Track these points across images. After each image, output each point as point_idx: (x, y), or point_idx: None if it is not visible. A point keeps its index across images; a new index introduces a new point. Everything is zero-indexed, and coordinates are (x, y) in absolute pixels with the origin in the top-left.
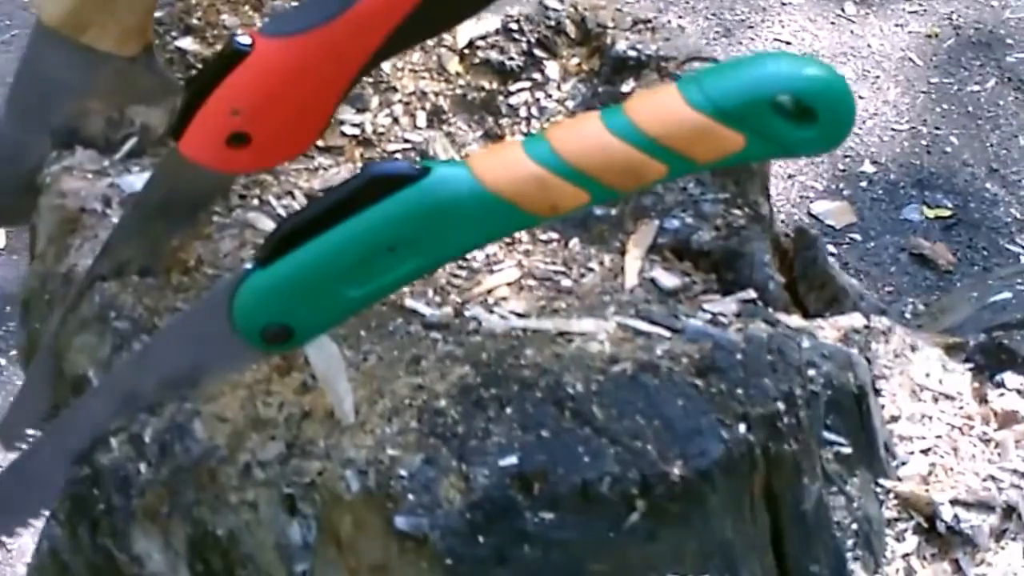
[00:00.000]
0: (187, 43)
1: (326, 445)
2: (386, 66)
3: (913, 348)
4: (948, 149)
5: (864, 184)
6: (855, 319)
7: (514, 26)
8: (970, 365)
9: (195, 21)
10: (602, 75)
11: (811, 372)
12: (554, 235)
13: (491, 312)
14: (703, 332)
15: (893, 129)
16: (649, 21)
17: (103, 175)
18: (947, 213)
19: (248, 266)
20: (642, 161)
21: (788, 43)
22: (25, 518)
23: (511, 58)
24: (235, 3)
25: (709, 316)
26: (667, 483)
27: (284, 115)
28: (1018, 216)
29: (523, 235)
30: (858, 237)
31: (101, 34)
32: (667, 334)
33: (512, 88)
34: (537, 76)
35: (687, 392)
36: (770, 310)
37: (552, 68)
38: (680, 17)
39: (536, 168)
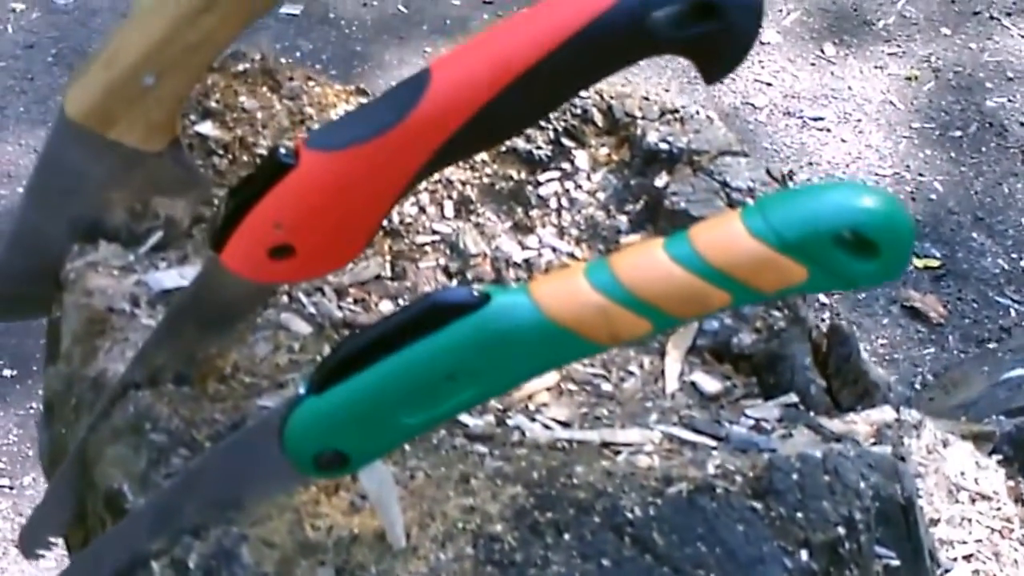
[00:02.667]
0: (207, 128)
1: (377, 571)
2: None
3: (945, 444)
4: (933, 196)
5: None
6: (886, 413)
7: None
8: (999, 457)
9: (214, 104)
10: (633, 167)
11: (861, 484)
12: None
13: (533, 420)
14: (748, 441)
15: (877, 174)
16: (677, 111)
17: (129, 271)
18: (936, 263)
19: (301, 391)
20: (706, 291)
21: (769, 84)
22: None
23: (539, 147)
24: (253, 84)
25: (752, 422)
26: None
27: (328, 229)
28: (1006, 267)
29: None
30: None
31: (128, 129)
32: (712, 443)
33: (541, 178)
34: (566, 166)
35: (746, 516)
36: (812, 414)
37: (581, 158)
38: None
39: (599, 297)
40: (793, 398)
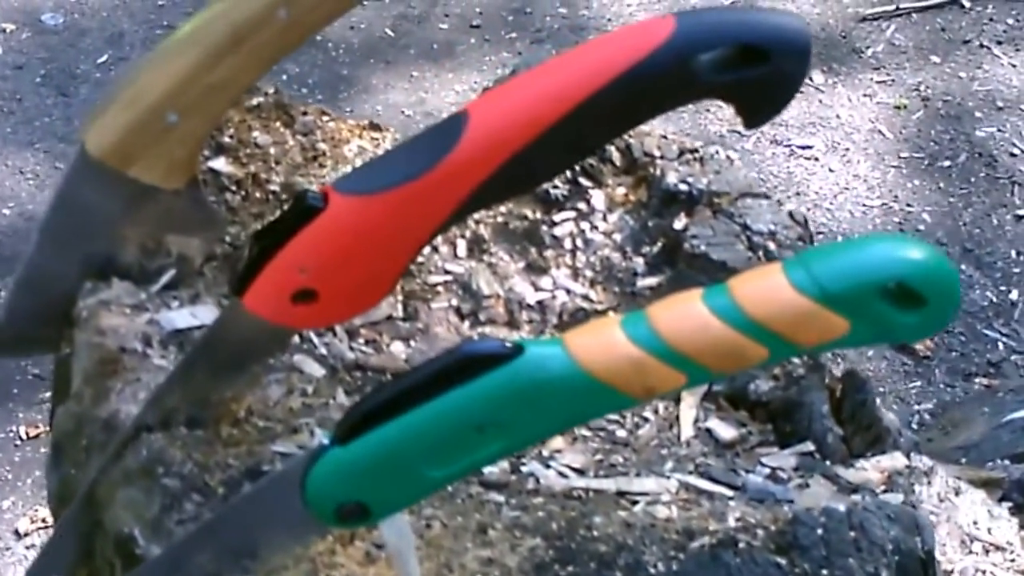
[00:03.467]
0: (220, 164)
1: None
2: None
3: (957, 492)
4: (921, 227)
5: None
6: (897, 460)
7: None
8: (1009, 505)
9: (227, 139)
10: (651, 207)
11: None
12: None
13: (548, 467)
14: (765, 490)
15: (864, 204)
16: (696, 151)
17: (141, 310)
18: None
19: (324, 442)
20: (745, 345)
21: None
22: None
23: (555, 186)
24: (267, 119)
25: (768, 471)
26: None
27: (353, 274)
28: (994, 300)
29: None
30: None
31: (149, 167)
32: (729, 493)
33: (556, 217)
34: (582, 205)
35: (770, 573)
36: (828, 463)
37: (598, 198)
38: None
39: (635, 350)
40: (809, 446)
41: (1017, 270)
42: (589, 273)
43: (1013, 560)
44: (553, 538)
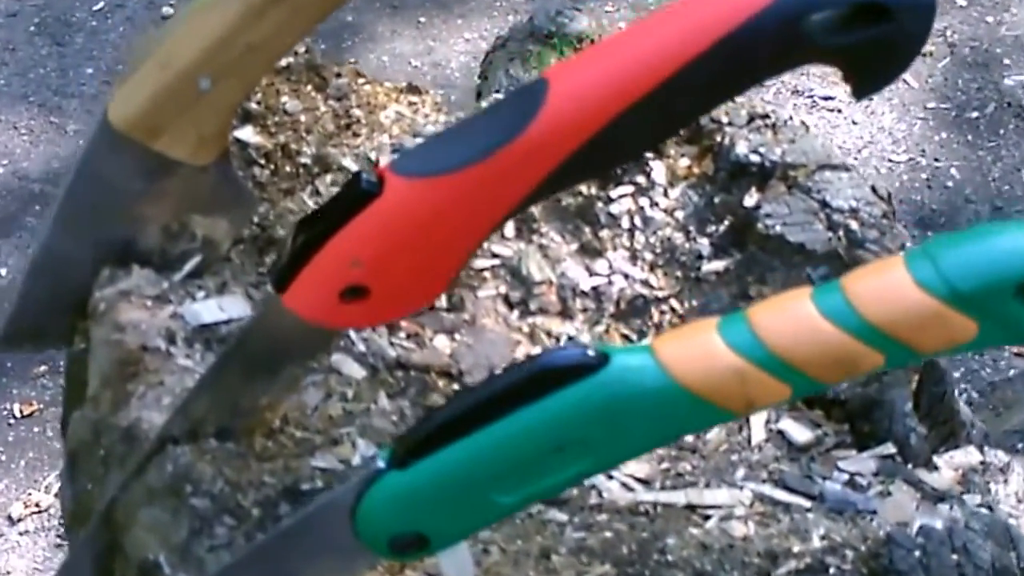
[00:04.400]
0: (247, 134)
1: None
2: None
3: None
4: (949, 183)
5: None
6: (971, 455)
7: None
8: None
9: (254, 106)
10: (718, 181)
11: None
12: None
13: (611, 478)
14: (844, 500)
15: (890, 160)
16: (768, 116)
17: (163, 302)
18: None
19: (380, 465)
20: (861, 353)
21: None
22: None
23: None
24: (297, 82)
25: (846, 476)
26: None
27: (411, 267)
28: None
29: None
30: None
31: (177, 140)
32: (806, 503)
33: (612, 193)
34: (641, 179)
35: None
36: (910, 467)
37: (659, 170)
38: None
39: (736, 359)
40: (890, 448)
41: None
42: (648, 256)
43: None
44: (624, 564)
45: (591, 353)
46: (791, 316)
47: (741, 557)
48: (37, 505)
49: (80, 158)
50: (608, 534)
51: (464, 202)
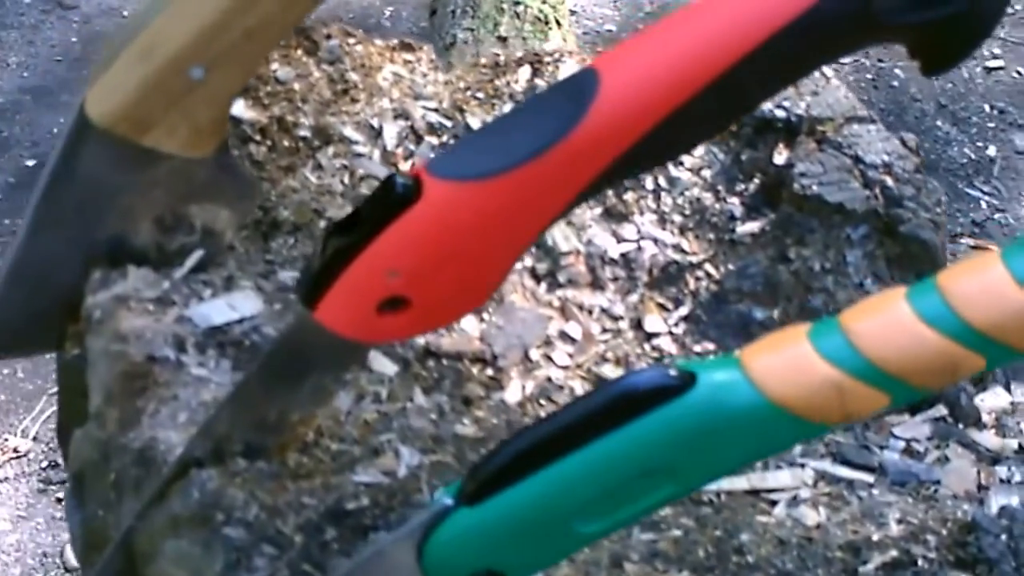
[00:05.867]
0: (240, 109)
1: None
2: (474, 124)
3: None
4: (895, 83)
5: None
6: (1000, 397)
7: None
8: None
9: None
10: (742, 138)
11: None
12: (710, 345)
13: None
14: (907, 472)
15: (837, 63)
16: None
17: (166, 304)
18: None
19: (447, 502)
20: (963, 357)
21: None
22: None
23: None
24: (286, 47)
25: (903, 444)
26: None
27: (454, 276)
28: (972, 156)
29: (673, 347)
30: None
31: (168, 134)
32: (869, 478)
33: None
34: None
35: None
36: (962, 427)
37: None
38: None
39: (833, 371)
40: (942, 410)
41: (992, 125)
42: (678, 218)
43: None
44: (702, 569)
45: (674, 373)
46: (889, 323)
47: (823, 552)
48: (15, 451)
49: (57, 154)
50: (678, 532)
51: (511, 207)
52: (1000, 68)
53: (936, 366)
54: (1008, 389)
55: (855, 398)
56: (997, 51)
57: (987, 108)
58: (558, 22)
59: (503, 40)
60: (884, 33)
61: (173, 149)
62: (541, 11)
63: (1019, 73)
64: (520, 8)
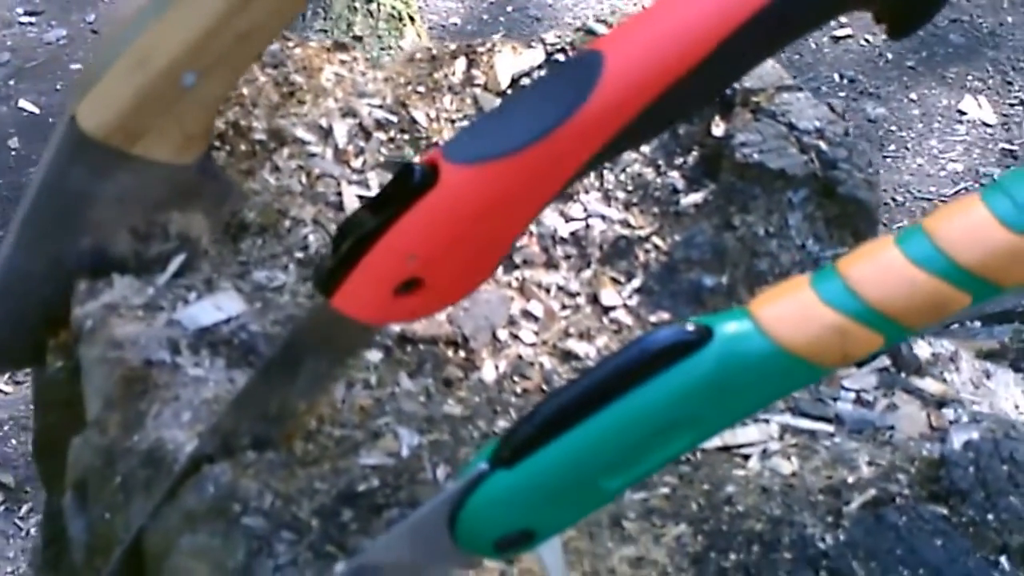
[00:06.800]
0: None
1: None
2: (421, 119)
3: (987, 375)
4: None
5: None
6: (922, 349)
7: (560, 57)
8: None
9: None
10: None
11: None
12: (664, 315)
13: None
14: (862, 420)
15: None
16: None
17: (155, 309)
18: None
19: (482, 467)
20: (952, 296)
21: None
22: None
23: None
24: None
25: (853, 395)
26: None
27: (467, 255)
28: None
29: (629, 318)
30: None
31: (158, 142)
32: (829, 428)
33: None
34: None
35: (940, 528)
36: (903, 376)
37: None
38: None
39: (836, 316)
40: (885, 360)
41: (843, 94)
42: (622, 195)
43: None
44: (698, 521)
45: (691, 328)
46: (883, 266)
47: (806, 497)
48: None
49: (46, 166)
50: (666, 490)
51: (523, 184)
52: (848, 36)
53: (927, 305)
54: (929, 343)
55: (855, 340)
56: (844, 19)
57: (836, 77)
58: (411, 18)
59: (359, 40)
60: (858, 2)
61: (164, 157)
62: (394, 8)
63: (867, 41)
64: (373, 6)
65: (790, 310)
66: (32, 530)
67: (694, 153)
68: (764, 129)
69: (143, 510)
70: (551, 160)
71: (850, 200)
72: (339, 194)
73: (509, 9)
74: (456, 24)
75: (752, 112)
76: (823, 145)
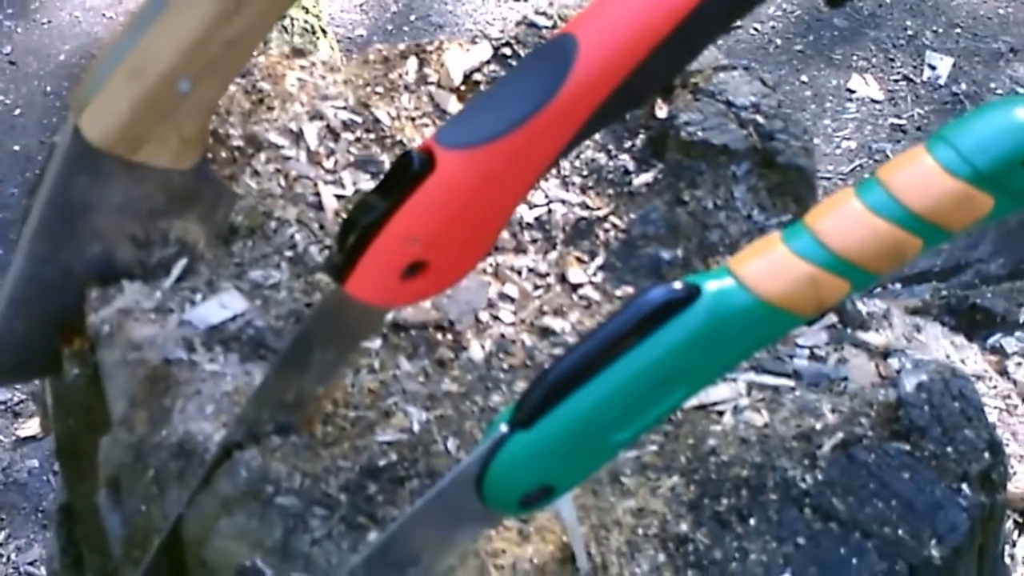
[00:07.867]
0: None
1: None
2: (384, 118)
3: (918, 328)
4: None
5: None
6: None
7: (507, 51)
8: (946, 329)
9: None
10: None
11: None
12: (628, 288)
13: None
14: (819, 373)
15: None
16: None
17: (165, 312)
18: None
19: (503, 429)
20: (905, 240)
21: None
22: None
23: None
24: None
25: (807, 351)
26: (931, 568)
27: (465, 235)
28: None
29: (597, 294)
30: None
31: (159, 149)
32: (790, 383)
33: None
34: None
35: (906, 462)
36: (849, 331)
37: None
38: None
39: (807, 267)
40: (832, 318)
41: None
42: (578, 179)
43: (995, 387)
44: (689, 472)
45: (679, 286)
46: (846, 218)
47: (781, 444)
48: None
49: (53, 178)
50: (654, 447)
51: (513, 163)
52: (738, 27)
53: (887, 250)
54: (861, 301)
55: (826, 288)
56: None
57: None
58: (323, 31)
59: None
60: None
61: (165, 163)
62: (307, 22)
63: (756, 30)
64: (287, 22)
65: (767, 265)
66: (13, 555)
67: (641, 136)
68: (704, 108)
69: (179, 499)
70: (537, 140)
71: (790, 168)
72: (317, 194)
73: (412, 18)
74: (363, 36)
75: (692, 93)
76: (760, 119)
